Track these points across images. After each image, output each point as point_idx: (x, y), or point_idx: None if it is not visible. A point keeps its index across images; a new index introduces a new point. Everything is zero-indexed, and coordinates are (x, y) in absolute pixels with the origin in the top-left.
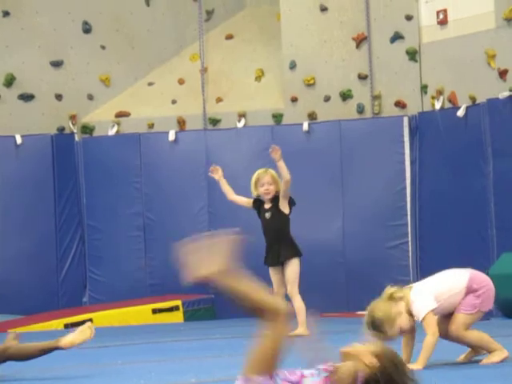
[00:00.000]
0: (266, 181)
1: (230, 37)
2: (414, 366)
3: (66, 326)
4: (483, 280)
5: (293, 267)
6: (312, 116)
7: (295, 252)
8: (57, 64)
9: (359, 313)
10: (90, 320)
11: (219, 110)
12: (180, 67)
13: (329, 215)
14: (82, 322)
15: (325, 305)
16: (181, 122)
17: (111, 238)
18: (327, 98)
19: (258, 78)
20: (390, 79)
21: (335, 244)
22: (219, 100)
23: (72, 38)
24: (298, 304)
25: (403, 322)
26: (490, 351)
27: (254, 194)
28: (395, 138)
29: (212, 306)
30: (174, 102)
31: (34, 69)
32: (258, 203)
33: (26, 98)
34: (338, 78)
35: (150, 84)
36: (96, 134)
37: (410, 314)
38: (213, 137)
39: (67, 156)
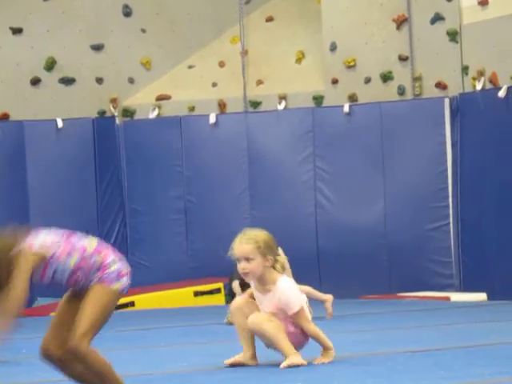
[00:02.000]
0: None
1: (270, 19)
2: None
3: None
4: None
5: None
6: (352, 98)
7: None
8: (97, 48)
9: (401, 294)
10: (132, 303)
11: (260, 93)
12: (220, 50)
13: (370, 197)
14: (124, 305)
15: (366, 287)
16: (221, 105)
17: (152, 221)
18: (368, 80)
19: (299, 61)
20: (430, 60)
21: (377, 226)
22: (260, 82)
23: (112, 21)
24: None
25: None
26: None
27: None
28: (436, 119)
29: None
30: (214, 84)
31: (74, 53)
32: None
33: (67, 81)
34: (379, 59)
35: (191, 67)
36: (137, 117)
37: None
38: (253, 119)
39: (108, 139)
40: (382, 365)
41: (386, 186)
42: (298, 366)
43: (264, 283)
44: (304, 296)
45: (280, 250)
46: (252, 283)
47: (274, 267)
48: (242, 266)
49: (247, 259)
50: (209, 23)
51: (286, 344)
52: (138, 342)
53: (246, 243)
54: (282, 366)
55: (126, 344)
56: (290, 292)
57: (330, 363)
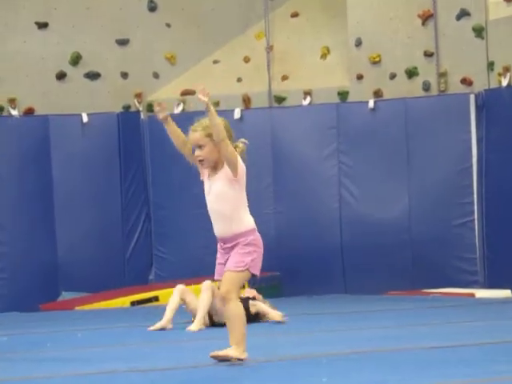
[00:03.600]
0: None
1: (295, 15)
2: None
3: (133, 304)
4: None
5: None
6: (377, 93)
7: None
8: (122, 42)
9: (425, 291)
10: (156, 298)
11: (285, 88)
12: (245, 45)
13: (394, 193)
14: (149, 300)
15: (391, 283)
16: (246, 100)
17: (177, 216)
18: (393, 76)
19: (324, 56)
20: (456, 56)
21: (401, 222)
22: (285, 78)
23: (138, 16)
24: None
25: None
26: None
27: None
28: (461, 115)
29: (279, 283)
30: (239, 80)
31: (99, 47)
32: None
33: (92, 76)
34: (404, 55)
35: (216, 62)
36: None
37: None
38: (278, 114)
39: (133, 134)
40: (406, 360)
41: (410, 182)
42: (232, 359)
43: (217, 169)
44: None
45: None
46: (205, 175)
47: None
48: (196, 154)
49: (200, 146)
50: (234, 18)
51: (239, 335)
52: (162, 336)
53: (195, 130)
54: (212, 354)
55: (150, 339)
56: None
57: (350, 357)
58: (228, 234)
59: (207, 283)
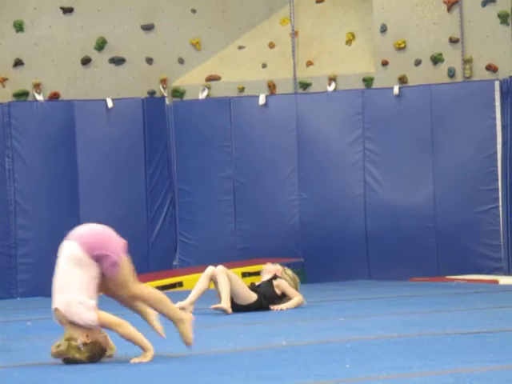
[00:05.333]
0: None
1: (320, 0)
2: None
3: (158, 289)
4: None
5: None
6: (403, 80)
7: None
8: (148, 28)
9: (449, 277)
10: (181, 283)
11: (309, 74)
12: (270, 31)
13: (419, 179)
14: (173, 285)
15: (415, 269)
16: (271, 86)
17: (201, 202)
18: (418, 62)
19: (349, 42)
20: (481, 43)
21: (425, 208)
22: (310, 64)
23: (163, 1)
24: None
25: None
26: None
27: None
28: (486, 102)
29: (303, 269)
30: (264, 65)
31: (125, 33)
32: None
33: (117, 61)
34: (429, 41)
35: (241, 48)
36: (186, 97)
37: None
38: (303, 101)
39: (158, 119)
40: (431, 346)
41: (435, 169)
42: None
43: None
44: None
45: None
46: None
47: None
48: None
49: None
50: (259, 4)
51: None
52: None
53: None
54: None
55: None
56: None
57: (374, 343)
58: None
59: (220, 267)
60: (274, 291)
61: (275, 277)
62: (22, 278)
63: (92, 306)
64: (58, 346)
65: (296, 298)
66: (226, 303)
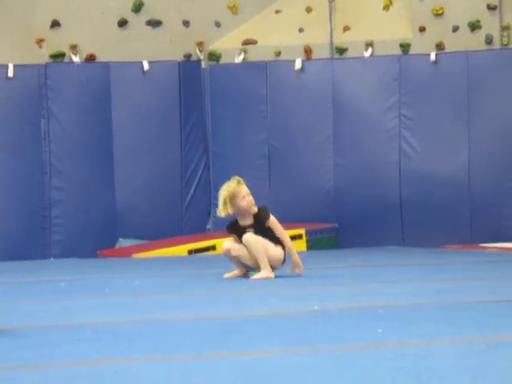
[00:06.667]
0: (246, 191)
1: None
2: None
3: (190, 252)
4: None
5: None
6: (440, 46)
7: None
8: None
9: (483, 245)
10: (214, 247)
11: (346, 39)
12: None
13: (454, 147)
14: (206, 249)
15: (448, 237)
16: (307, 51)
17: (236, 166)
18: (455, 29)
19: (386, 7)
20: None
21: (460, 176)
22: (346, 29)
23: None
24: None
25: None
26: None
27: (225, 213)
28: None
29: (336, 235)
30: (301, 30)
31: None
32: (234, 227)
33: (154, 24)
34: (467, 8)
35: (278, 12)
36: (223, 61)
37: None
38: (339, 66)
39: (193, 83)
40: (463, 313)
41: (470, 137)
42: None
43: None
44: None
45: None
46: None
47: None
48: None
49: None
50: None
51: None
52: (220, 285)
53: None
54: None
55: (208, 286)
56: None
57: (406, 309)
58: None
59: (248, 235)
60: (271, 231)
61: (260, 215)
62: (56, 239)
63: None
64: None
65: (288, 243)
66: (269, 271)
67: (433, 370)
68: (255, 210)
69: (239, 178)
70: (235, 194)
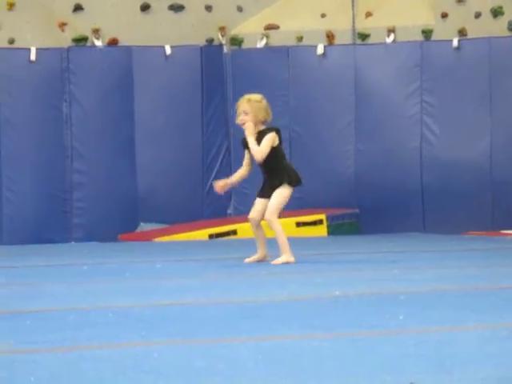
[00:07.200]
0: (243, 109)
1: None
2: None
3: (211, 237)
4: None
5: (277, 194)
6: (462, 32)
7: (284, 181)
8: None
9: (504, 232)
10: (235, 231)
11: (368, 25)
12: None
13: (476, 133)
14: (227, 233)
15: (470, 223)
16: (330, 36)
17: None
18: (478, 15)
19: None
20: None
21: (482, 162)
22: (369, 15)
23: None
24: (277, 230)
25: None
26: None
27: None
28: None
29: (356, 220)
30: (323, 15)
31: None
32: (244, 141)
33: (177, 8)
34: None
35: None
36: (245, 46)
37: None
38: (361, 52)
39: (215, 67)
40: (485, 300)
41: (492, 123)
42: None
43: None
44: None
45: None
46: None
47: None
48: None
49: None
50: None
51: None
52: (240, 269)
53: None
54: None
55: (228, 270)
56: None
57: (428, 295)
58: None
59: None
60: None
61: (262, 134)
62: (77, 222)
63: None
64: None
65: (253, 150)
66: (289, 256)
67: (455, 357)
68: (252, 127)
69: (259, 96)
70: (237, 105)
